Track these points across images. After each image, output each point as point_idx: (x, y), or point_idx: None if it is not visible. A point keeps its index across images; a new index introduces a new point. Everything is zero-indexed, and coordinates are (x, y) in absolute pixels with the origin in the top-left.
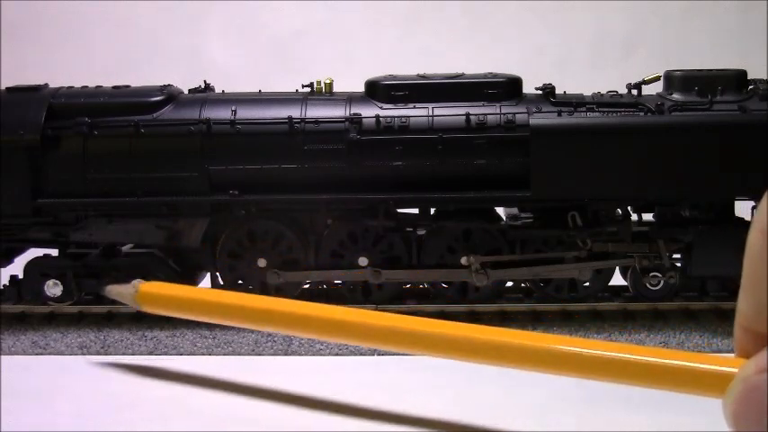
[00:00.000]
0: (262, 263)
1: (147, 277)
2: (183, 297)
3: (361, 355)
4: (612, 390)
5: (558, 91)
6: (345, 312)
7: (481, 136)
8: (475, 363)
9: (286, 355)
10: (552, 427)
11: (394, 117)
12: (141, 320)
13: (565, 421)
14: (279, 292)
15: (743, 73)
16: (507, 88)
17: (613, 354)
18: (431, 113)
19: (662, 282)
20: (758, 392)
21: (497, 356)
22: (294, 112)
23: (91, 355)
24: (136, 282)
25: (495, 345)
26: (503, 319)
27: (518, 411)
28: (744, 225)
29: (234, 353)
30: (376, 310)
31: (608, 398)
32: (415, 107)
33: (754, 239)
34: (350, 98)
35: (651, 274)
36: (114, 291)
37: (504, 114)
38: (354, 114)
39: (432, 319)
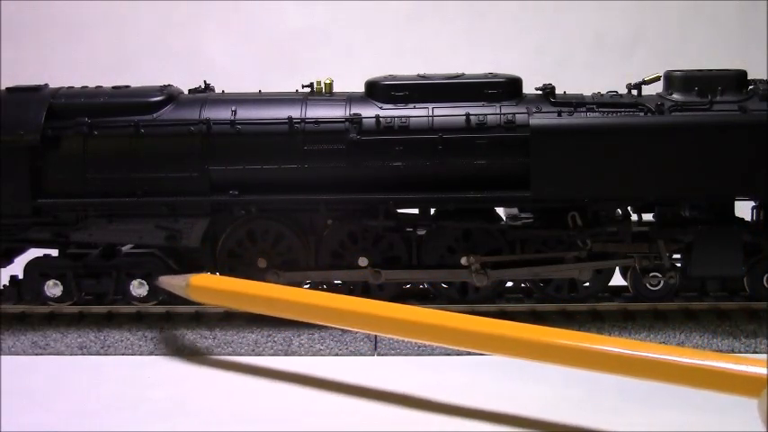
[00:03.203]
0: (262, 263)
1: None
2: (231, 290)
3: (361, 355)
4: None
5: (558, 91)
6: (376, 306)
7: (481, 136)
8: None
9: (286, 355)
10: (552, 425)
11: (394, 117)
12: (141, 320)
13: (565, 419)
14: None
15: (743, 73)
16: (507, 88)
17: (653, 355)
18: (431, 113)
19: (662, 282)
20: None
21: (541, 354)
22: (294, 112)
23: (91, 355)
24: (188, 275)
25: (539, 343)
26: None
27: (521, 409)
28: (744, 225)
29: (234, 353)
30: None
31: (608, 397)
32: (415, 107)
33: None
34: (350, 98)
35: (651, 274)
36: (166, 282)
37: (504, 114)
38: (354, 114)
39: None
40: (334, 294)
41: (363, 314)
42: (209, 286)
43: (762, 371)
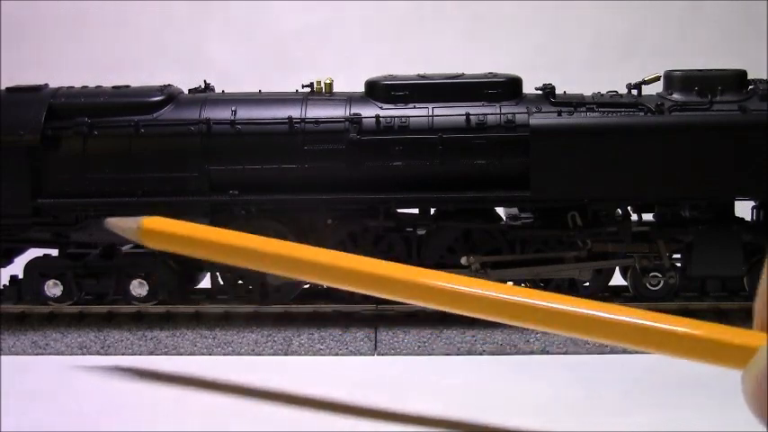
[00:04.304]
0: None
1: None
2: (186, 235)
3: (362, 355)
4: (611, 389)
5: (558, 91)
6: (338, 257)
7: (481, 136)
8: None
9: (286, 355)
10: (552, 425)
11: (394, 117)
12: (141, 320)
13: (565, 419)
14: (279, 292)
15: (743, 73)
16: (507, 88)
17: (636, 320)
18: (431, 113)
19: (662, 282)
20: None
21: (508, 314)
22: (294, 112)
23: (91, 355)
24: (140, 217)
25: (508, 303)
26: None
27: (521, 409)
28: (744, 225)
29: (234, 353)
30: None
31: (608, 397)
32: (415, 107)
33: None
34: (350, 98)
35: (651, 274)
36: (114, 223)
37: (504, 114)
38: (354, 114)
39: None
40: (298, 245)
41: (316, 263)
42: (164, 230)
43: (749, 342)
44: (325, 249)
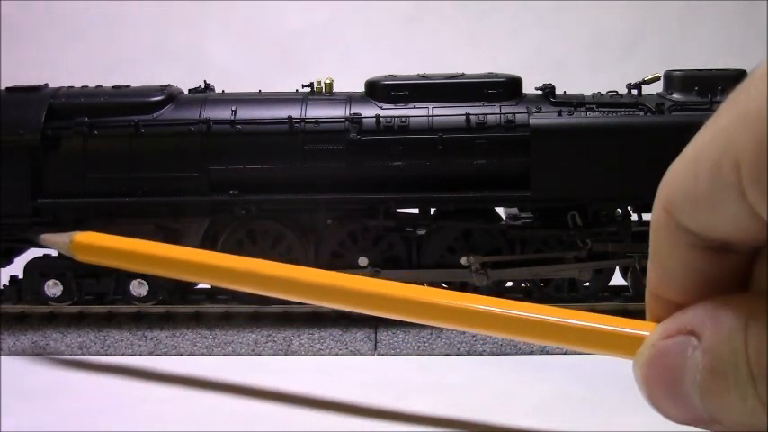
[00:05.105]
0: None
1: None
2: (119, 249)
3: (362, 354)
4: (613, 390)
5: (558, 91)
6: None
7: (481, 136)
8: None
9: (286, 355)
10: (552, 425)
11: (394, 117)
12: (141, 320)
13: (565, 419)
14: None
15: (743, 73)
16: (507, 88)
17: (530, 314)
18: (431, 113)
19: None
20: (664, 357)
21: (439, 317)
22: (294, 112)
23: (91, 355)
24: (72, 232)
25: (439, 306)
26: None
27: (521, 409)
28: None
29: (234, 353)
30: None
31: (608, 397)
32: (415, 107)
33: (656, 215)
34: (350, 98)
35: None
36: (48, 239)
37: (504, 114)
38: (354, 114)
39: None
40: (234, 256)
41: (252, 273)
42: (97, 244)
43: (638, 331)
44: (253, 259)
